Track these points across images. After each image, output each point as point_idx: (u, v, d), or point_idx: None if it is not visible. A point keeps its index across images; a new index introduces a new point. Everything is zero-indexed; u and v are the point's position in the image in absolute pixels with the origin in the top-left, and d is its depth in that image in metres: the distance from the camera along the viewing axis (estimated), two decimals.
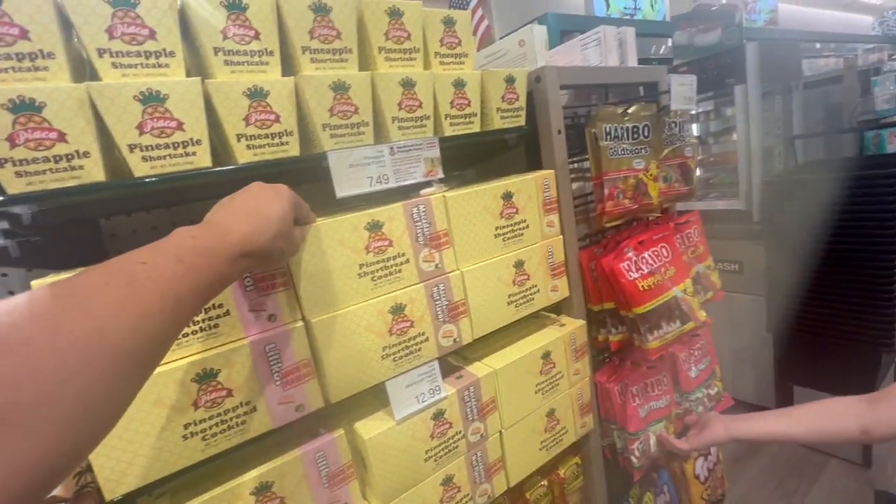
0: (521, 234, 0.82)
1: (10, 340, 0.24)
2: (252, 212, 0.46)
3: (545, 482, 0.98)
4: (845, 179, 1.75)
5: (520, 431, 0.85)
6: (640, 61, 3.77)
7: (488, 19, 4.79)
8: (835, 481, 1.96)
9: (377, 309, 0.66)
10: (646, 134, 0.91)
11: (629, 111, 0.89)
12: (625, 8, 5.61)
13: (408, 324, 0.69)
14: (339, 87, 0.63)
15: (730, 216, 2.35)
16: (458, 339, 0.75)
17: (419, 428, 0.72)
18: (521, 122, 0.87)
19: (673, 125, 0.99)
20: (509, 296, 0.82)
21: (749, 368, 2.37)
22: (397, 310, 0.68)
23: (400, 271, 0.69)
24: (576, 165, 1.00)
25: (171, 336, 0.35)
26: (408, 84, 0.69)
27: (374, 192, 0.69)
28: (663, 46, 3.60)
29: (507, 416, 0.83)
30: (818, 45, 7.05)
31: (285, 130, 0.60)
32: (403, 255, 0.69)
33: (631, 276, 0.88)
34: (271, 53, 0.60)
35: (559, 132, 0.90)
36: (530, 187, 0.83)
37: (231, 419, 0.57)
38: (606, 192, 0.88)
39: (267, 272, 0.59)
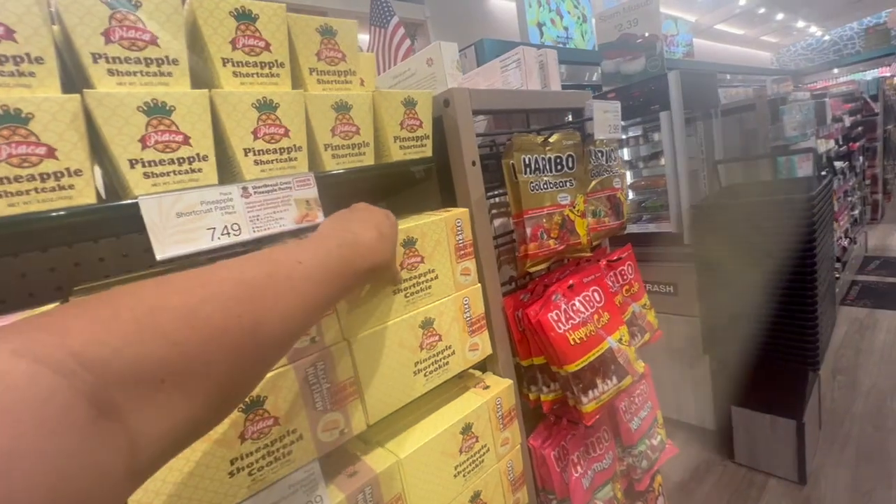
0: (429, 287, 0.68)
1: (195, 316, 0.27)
2: (377, 227, 0.47)
3: None
4: (763, 203, 1.80)
5: None
6: (574, 87, 3.88)
7: (427, 43, 4.75)
8: (778, 500, 1.96)
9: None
10: (570, 165, 0.81)
11: (550, 140, 0.79)
12: (557, 37, 5.85)
13: (269, 422, 0.51)
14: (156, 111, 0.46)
15: (663, 239, 2.38)
16: (345, 430, 0.59)
17: None
18: (427, 152, 0.73)
19: (600, 154, 0.90)
20: (416, 364, 0.67)
21: (689, 390, 2.37)
22: (253, 406, 0.50)
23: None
24: (497, 199, 0.88)
25: (299, 336, 0.37)
26: (266, 107, 0.54)
27: (219, 248, 0.52)
28: (595, 74, 3.71)
29: None
30: (728, 76, 7.77)
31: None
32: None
33: (560, 328, 0.76)
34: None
35: (473, 163, 0.77)
36: (439, 230, 0.68)
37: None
38: (529, 232, 0.76)
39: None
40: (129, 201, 0.45)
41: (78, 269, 0.73)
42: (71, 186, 0.42)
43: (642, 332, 0.98)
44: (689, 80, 2.27)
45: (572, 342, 0.76)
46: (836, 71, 10.38)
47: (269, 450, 0.51)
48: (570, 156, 0.81)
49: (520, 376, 0.87)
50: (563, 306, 0.78)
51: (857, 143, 4.09)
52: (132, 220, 0.45)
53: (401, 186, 0.87)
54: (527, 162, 0.75)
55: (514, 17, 5.36)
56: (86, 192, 0.43)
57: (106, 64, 0.44)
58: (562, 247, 0.79)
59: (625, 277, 0.97)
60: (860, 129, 4.21)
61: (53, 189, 0.42)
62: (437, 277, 0.68)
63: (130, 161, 0.44)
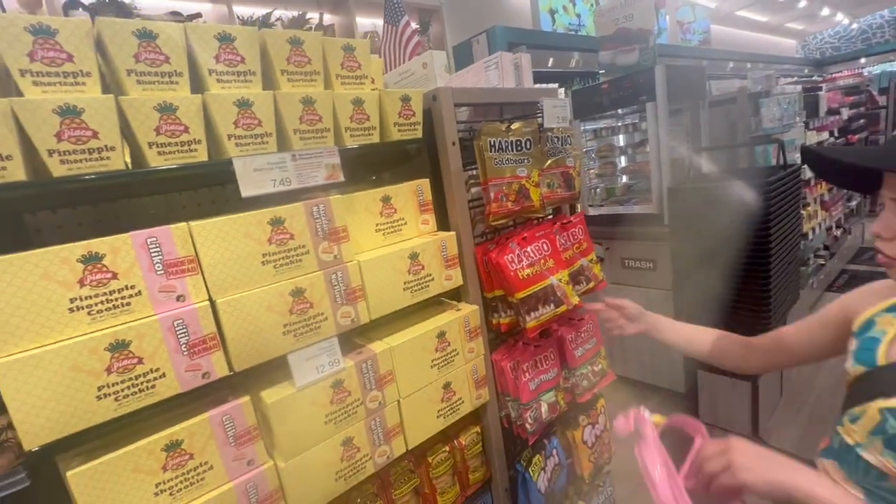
0: (401, 229, 0.98)
1: None
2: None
3: (447, 448, 1.12)
4: (723, 188, 2.03)
5: (417, 401, 0.99)
6: (583, 73, 4.04)
7: (442, 29, 4.91)
8: None
9: (279, 292, 0.78)
10: (528, 146, 1.08)
11: (513, 127, 1.06)
12: (569, 24, 5.94)
13: (307, 305, 0.81)
14: (243, 104, 0.74)
15: (646, 219, 2.61)
16: (355, 319, 0.88)
17: (319, 395, 0.84)
18: (419, 134, 1.01)
19: (556, 139, 1.16)
20: (405, 283, 0.96)
21: (663, 357, 2.63)
22: (297, 293, 0.80)
23: (301, 260, 0.81)
24: (475, 172, 1.15)
25: None
26: (308, 102, 0.82)
27: (279, 193, 0.80)
28: None
29: (404, 387, 0.96)
30: (748, 65, 7.68)
31: (194, 139, 0.71)
32: (304, 246, 0.81)
33: (513, 266, 1.04)
34: (180, 74, 0.70)
35: (454, 144, 1.05)
36: (405, 192, 0.98)
37: (141, 383, 0.67)
38: (492, 195, 1.03)
39: (176, 258, 0.69)
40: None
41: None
42: (4, 168, 0.71)
43: (588, 281, 1.25)
44: (675, 74, 2.47)
45: (521, 277, 1.03)
46: (863, 60, 10.14)
47: (305, 323, 0.81)
48: (528, 139, 1.08)
49: (487, 306, 1.15)
50: (518, 251, 1.06)
51: (857, 136, 4.19)
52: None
53: (401, 159, 1.14)
54: (492, 143, 1.02)
55: (527, 3, 5.47)
56: (16, 172, 0.67)
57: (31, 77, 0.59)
58: (518, 208, 1.06)
59: (576, 237, 1.24)
60: (862, 121, 4.30)
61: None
62: (406, 223, 0.99)
63: (48, 151, 0.73)
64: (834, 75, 6.74)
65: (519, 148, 1.07)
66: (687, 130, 2.72)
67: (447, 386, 1.04)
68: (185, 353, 0.70)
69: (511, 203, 1.05)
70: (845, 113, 3.85)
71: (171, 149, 0.70)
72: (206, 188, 1.10)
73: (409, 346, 0.96)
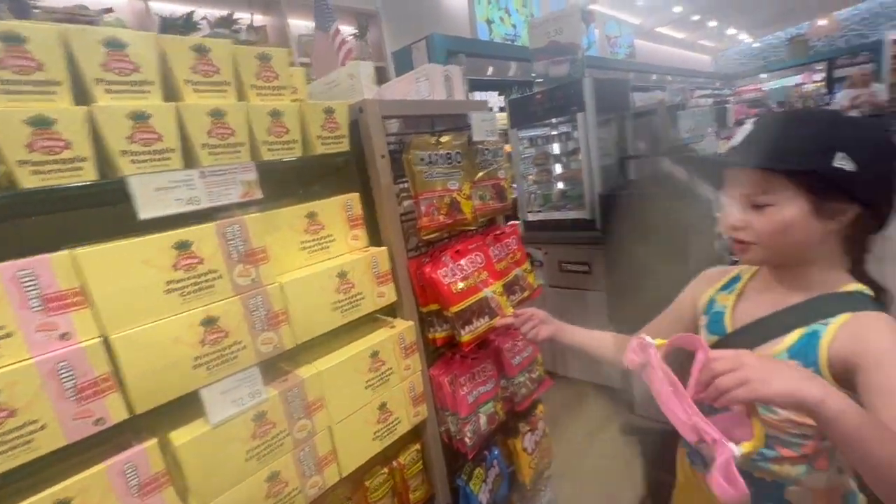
0: (328, 247, 0.94)
1: None
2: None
3: (385, 470, 1.08)
4: (651, 194, 2.17)
5: (351, 425, 0.95)
6: (521, 82, 4.16)
7: (380, 35, 4.84)
8: None
9: (187, 322, 0.71)
10: (458, 159, 1.08)
11: (442, 140, 1.05)
12: (506, 34, 6.10)
13: (221, 334, 0.75)
14: (139, 117, 0.67)
15: (580, 224, 2.73)
16: (279, 345, 0.83)
17: (238, 430, 0.77)
18: (345, 147, 0.97)
19: (486, 152, 1.17)
20: (334, 303, 0.92)
21: None
22: (210, 322, 0.73)
23: (213, 286, 0.74)
24: (407, 185, 1.13)
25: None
26: (217, 114, 0.76)
27: (186, 213, 0.74)
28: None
29: (336, 412, 0.92)
30: (669, 77, 8.32)
31: (78, 156, 0.63)
32: (216, 271, 0.74)
33: (447, 280, 1.03)
34: (57, 83, 0.62)
35: (383, 157, 1.02)
36: (333, 208, 0.95)
37: (13, 439, 0.58)
38: (423, 209, 1.02)
39: (58, 292, 0.61)
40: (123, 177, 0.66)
41: None
42: None
43: (523, 290, 1.27)
44: (602, 86, 2.61)
45: (455, 291, 1.03)
46: (764, 76, 11.34)
47: (220, 354, 0.75)
48: (458, 152, 1.08)
49: (423, 321, 1.13)
50: (451, 265, 1.05)
51: None
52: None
53: (328, 173, 1.10)
54: (421, 157, 1.01)
55: (465, 11, 5.56)
56: None
57: None
58: (450, 221, 1.06)
59: (509, 248, 1.26)
60: None
61: None
62: (334, 240, 0.95)
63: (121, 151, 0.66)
64: (740, 89, 7.49)
65: (449, 161, 1.07)
66: (615, 139, 2.89)
67: (383, 406, 1.01)
68: (72, 399, 0.61)
69: (443, 216, 1.05)
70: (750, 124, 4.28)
71: (49, 167, 0.61)
72: (111, 206, 0.98)
73: (340, 368, 0.92)
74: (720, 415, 0.59)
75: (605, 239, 2.46)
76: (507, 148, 3.23)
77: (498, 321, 1.05)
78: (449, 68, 1.26)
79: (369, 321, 1.09)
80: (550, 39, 2.88)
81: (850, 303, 0.67)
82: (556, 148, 3.19)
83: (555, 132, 3.11)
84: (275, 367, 0.92)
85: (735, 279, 0.85)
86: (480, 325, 1.06)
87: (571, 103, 2.58)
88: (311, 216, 0.93)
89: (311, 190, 1.25)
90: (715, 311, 0.83)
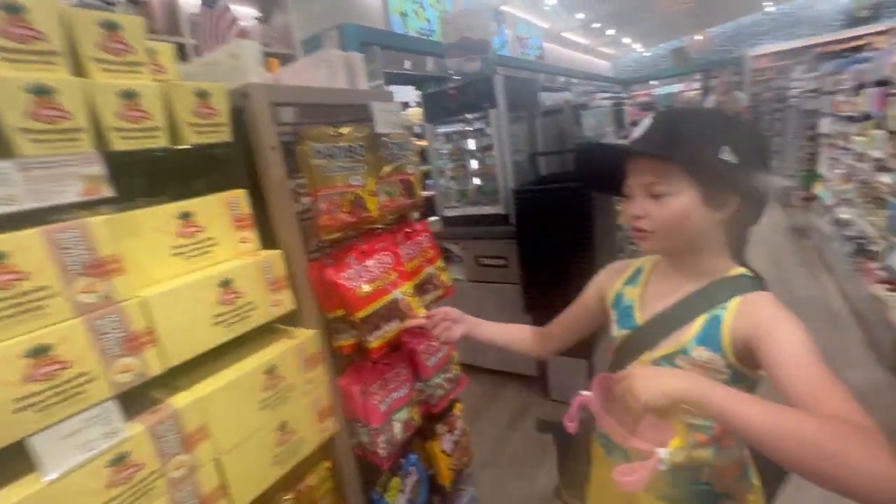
0: (209, 252, 0.82)
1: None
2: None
3: (291, 495, 0.98)
4: (560, 189, 2.27)
5: (244, 452, 0.84)
6: (438, 77, 4.12)
7: (288, 21, 4.50)
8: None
9: (4, 356, 0.56)
10: (361, 153, 1.00)
11: (342, 131, 0.97)
12: (421, 28, 6.05)
13: (58, 366, 0.60)
14: None
15: (495, 219, 2.78)
16: (143, 372, 0.69)
17: (89, 481, 0.63)
18: (225, 136, 0.85)
19: (392, 145, 1.11)
20: (216, 316, 0.79)
21: None
22: (40, 352, 0.58)
23: (42, 307, 0.59)
24: (305, 180, 1.03)
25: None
26: (41, 91, 0.60)
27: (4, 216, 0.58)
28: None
29: (224, 441, 0.80)
30: (574, 80, 8.87)
31: None
32: (46, 288, 0.59)
33: (352, 284, 0.95)
34: None
35: (273, 148, 0.91)
36: (214, 206, 0.82)
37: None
38: (323, 206, 0.93)
39: None
40: None
41: None
42: None
43: (436, 288, 1.23)
44: (512, 84, 2.67)
45: (361, 295, 0.95)
46: (655, 83, 12.62)
47: (57, 390, 0.60)
48: (361, 145, 1.00)
49: (329, 328, 1.04)
50: (356, 267, 0.98)
51: None
52: None
53: (207, 167, 0.96)
54: (318, 149, 0.92)
55: (379, 2, 5.40)
56: None
57: None
58: (354, 219, 0.98)
59: (421, 246, 1.21)
60: None
61: None
62: (217, 244, 0.83)
63: None
64: (634, 94, 8.25)
65: (351, 154, 0.99)
66: (526, 136, 2.98)
67: (283, 426, 0.91)
68: None
69: (346, 214, 0.96)
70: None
71: None
72: None
73: (228, 390, 0.80)
74: (648, 422, 0.61)
75: (519, 233, 2.53)
76: (424, 143, 3.19)
77: (409, 324, 1.01)
78: (351, 55, 1.17)
79: (265, 333, 0.98)
80: (462, 35, 2.89)
81: (739, 286, 0.74)
82: (471, 144, 3.22)
83: (469, 128, 3.13)
84: (144, 396, 0.77)
85: (639, 271, 0.89)
86: (390, 329, 1.00)
87: (484, 100, 2.61)
88: (186, 217, 0.80)
89: (195, 187, 1.09)
90: (624, 305, 0.87)
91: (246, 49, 0.94)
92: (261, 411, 0.86)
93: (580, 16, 8.90)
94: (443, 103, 2.80)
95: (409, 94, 5.28)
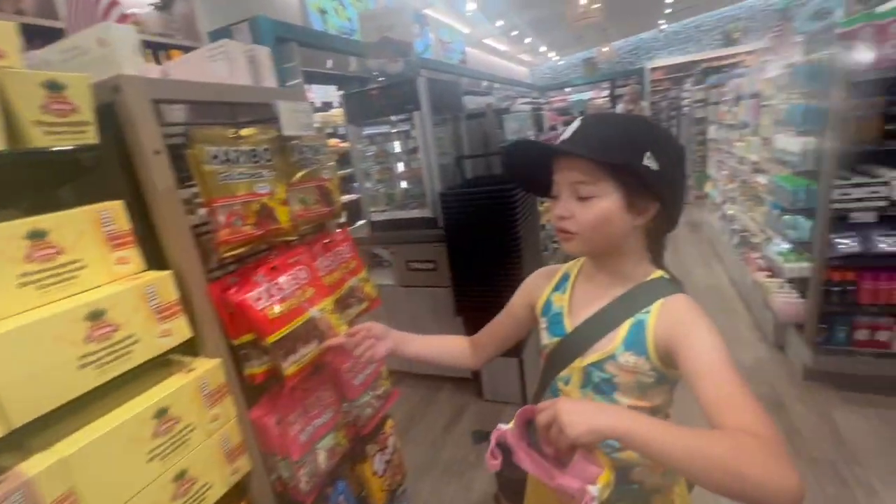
0: (74, 278, 0.67)
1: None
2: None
3: None
4: (486, 192, 2.29)
5: None
6: (362, 78, 3.96)
7: (191, 9, 4.08)
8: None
9: None
10: (267, 158, 0.90)
11: (244, 133, 0.86)
12: (341, 27, 5.85)
13: None
14: None
15: (423, 223, 2.75)
16: None
17: None
18: (90, 139, 0.70)
19: (305, 149, 1.01)
20: (82, 357, 0.65)
21: None
22: None
23: None
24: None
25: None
26: None
27: None
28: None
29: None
30: (496, 85, 9.13)
31: None
32: None
33: (260, 305, 0.85)
34: None
35: (157, 153, 0.78)
36: (78, 222, 0.68)
37: None
38: (222, 219, 0.81)
39: None
40: None
41: None
42: None
43: (360, 302, 1.15)
44: (436, 86, 2.65)
45: (271, 316, 0.85)
46: (568, 90, 13.44)
47: None
48: (266, 149, 0.90)
49: (237, 355, 0.92)
50: (266, 285, 0.87)
51: None
52: None
53: (68, 174, 0.80)
54: (214, 153, 0.80)
55: None
56: None
57: None
58: (261, 232, 0.87)
59: (342, 256, 1.13)
60: None
61: None
62: (84, 267, 0.68)
63: None
64: (551, 99, 8.71)
65: (255, 159, 0.88)
66: (451, 139, 2.98)
67: (182, 475, 0.78)
68: None
69: (251, 227, 0.86)
70: (559, 129, 4.97)
71: None
72: None
73: (102, 446, 0.67)
74: (577, 459, 0.60)
75: (448, 236, 2.51)
76: (343, 144, 3.07)
77: (327, 345, 0.92)
78: (255, 48, 1.06)
79: (157, 367, 0.84)
80: (383, 35, 2.81)
81: (659, 289, 0.76)
82: (396, 146, 3.15)
83: (394, 130, 3.07)
84: None
85: (565, 277, 0.89)
86: (308, 351, 0.90)
87: (407, 102, 2.55)
88: (38, 236, 0.64)
89: (57, 199, 0.91)
90: (553, 312, 0.86)
91: (117, 34, 0.79)
92: (150, 463, 0.73)
93: (500, 23, 9.19)
94: (365, 104, 2.70)
95: (332, 94, 5.07)
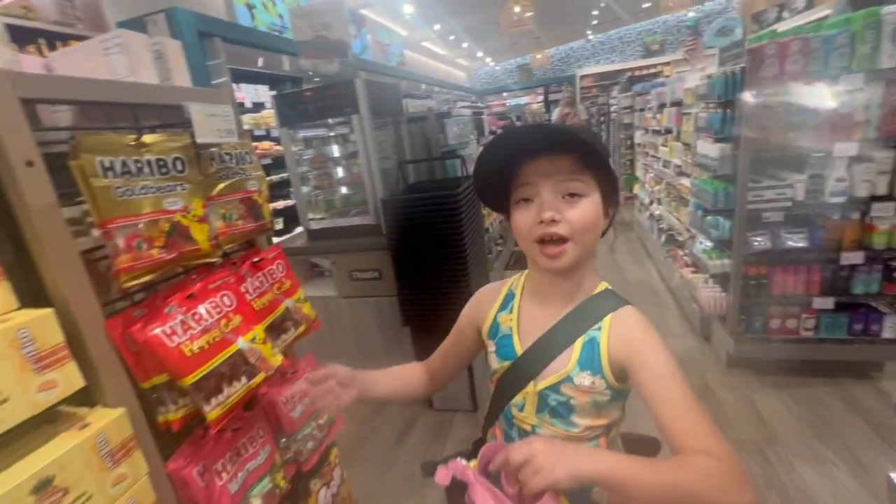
0: None
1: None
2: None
3: None
4: (428, 196, 2.23)
5: None
6: (294, 79, 3.72)
7: None
8: (461, 426, 2.51)
9: None
10: (179, 168, 0.77)
11: (147, 140, 0.73)
12: (271, 23, 5.54)
13: None
14: None
15: (366, 230, 2.64)
16: None
17: None
18: None
19: (227, 157, 0.89)
20: None
21: (397, 359, 2.72)
22: None
23: None
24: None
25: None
26: None
27: None
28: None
29: None
30: (436, 88, 9.14)
31: None
32: None
33: (174, 340, 0.72)
34: None
35: (30, 164, 0.64)
36: None
37: None
38: (121, 243, 0.68)
39: None
40: None
41: None
42: None
43: (297, 325, 1.05)
44: (375, 88, 2.55)
45: (189, 353, 0.73)
46: (506, 94, 13.80)
47: None
48: (177, 158, 0.77)
49: (147, 400, 0.79)
50: (181, 317, 0.75)
51: None
52: None
53: None
54: (108, 164, 0.67)
55: None
56: None
57: None
58: (173, 255, 0.75)
59: (274, 276, 1.01)
60: None
61: None
62: None
63: None
64: (490, 104, 8.88)
65: (164, 170, 0.75)
66: (392, 143, 2.90)
67: None
68: None
69: (159, 250, 0.73)
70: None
71: None
72: None
73: None
74: (546, 500, 0.57)
75: (392, 243, 2.43)
76: (277, 147, 2.88)
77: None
78: (162, 41, 0.92)
79: (45, 423, 0.69)
80: (317, 34, 2.67)
81: (607, 303, 0.73)
82: (335, 150, 3.01)
83: (332, 133, 2.92)
84: None
85: (510, 296, 0.84)
86: (235, 390, 0.79)
87: (345, 104, 2.44)
88: None
89: None
90: (502, 335, 0.81)
91: None
92: None
93: (437, 27, 9.21)
94: (299, 106, 2.54)
95: (264, 94, 4.78)
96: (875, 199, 2.11)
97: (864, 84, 1.99)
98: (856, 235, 2.20)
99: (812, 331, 2.38)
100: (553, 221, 0.67)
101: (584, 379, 0.70)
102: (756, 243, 2.33)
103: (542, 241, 0.69)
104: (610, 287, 0.78)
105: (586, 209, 0.67)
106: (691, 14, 9.80)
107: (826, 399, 2.29)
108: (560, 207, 0.67)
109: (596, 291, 0.76)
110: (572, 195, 0.67)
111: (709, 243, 2.80)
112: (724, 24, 6.35)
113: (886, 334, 2.26)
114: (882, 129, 2.00)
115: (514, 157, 0.70)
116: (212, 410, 0.75)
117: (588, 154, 0.66)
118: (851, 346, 2.34)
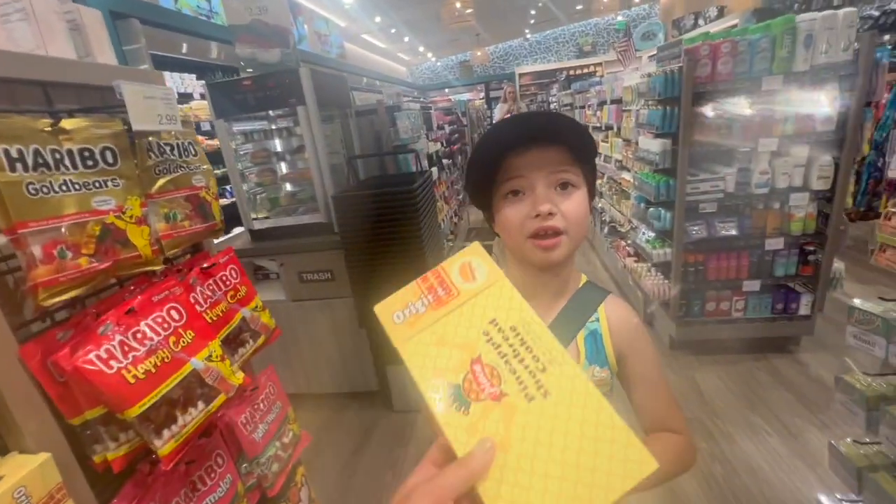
0: None
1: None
2: None
3: None
4: (384, 193, 2.15)
5: None
6: (227, 67, 3.43)
7: None
8: (424, 427, 2.46)
9: None
10: (109, 160, 0.65)
11: (66, 126, 0.60)
12: (198, 7, 5.09)
13: None
14: None
15: (316, 229, 2.49)
16: None
17: None
18: None
19: (168, 148, 0.77)
20: None
21: (354, 362, 2.63)
22: None
23: None
24: None
25: None
26: None
27: None
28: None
29: None
30: (377, 82, 8.93)
31: None
32: None
33: (112, 367, 0.60)
34: None
35: None
36: None
37: None
38: (37, 252, 0.55)
39: None
40: None
41: None
42: None
43: (256, 337, 0.94)
44: (321, 79, 2.41)
45: (132, 380, 0.62)
46: (447, 90, 13.81)
47: None
48: (107, 148, 0.65)
49: (78, 438, 0.66)
50: (119, 338, 0.63)
51: (456, 146, 5.57)
52: None
53: None
54: (14, 155, 0.54)
55: None
56: None
57: None
58: (106, 264, 0.63)
59: (228, 283, 0.90)
60: (456, 135, 5.75)
61: None
62: None
63: None
64: (434, 99, 8.84)
65: (90, 163, 0.63)
66: (340, 137, 2.76)
67: None
68: None
69: (88, 259, 0.61)
70: (447, 128, 5.02)
71: None
72: None
73: None
74: None
75: (346, 242, 2.31)
76: (209, 142, 2.64)
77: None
78: (78, 9, 0.77)
79: None
80: (254, 17, 2.46)
81: (595, 294, 0.75)
82: (278, 145, 2.81)
83: (274, 126, 2.73)
84: None
85: None
86: (193, 417, 0.68)
87: (289, 95, 2.27)
88: None
89: None
90: None
91: None
92: None
93: (378, 19, 8.98)
94: (237, 97, 2.33)
95: (191, 84, 4.37)
96: (793, 189, 2.33)
97: (782, 85, 2.19)
98: (777, 223, 2.42)
99: (742, 311, 2.60)
100: (550, 215, 0.63)
101: (595, 373, 0.69)
102: (694, 232, 2.50)
103: (537, 235, 0.65)
104: (586, 277, 0.78)
105: (579, 201, 0.65)
106: (620, 18, 10.39)
107: (756, 373, 2.51)
108: (555, 200, 0.64)
109: (580, 284, 0.75)
110: (565, 186, 0.64)
111: (651, 234, 2.97)
112: (649, 28, 6.80)
113: (802, 311, 2.53)
114: (797, 127, 2.22)
115: (502, 150, 0.66)
116: (164, 445, 0.64)
117: (580, 146, 0.64)
118: (774, 324, 2.59)
